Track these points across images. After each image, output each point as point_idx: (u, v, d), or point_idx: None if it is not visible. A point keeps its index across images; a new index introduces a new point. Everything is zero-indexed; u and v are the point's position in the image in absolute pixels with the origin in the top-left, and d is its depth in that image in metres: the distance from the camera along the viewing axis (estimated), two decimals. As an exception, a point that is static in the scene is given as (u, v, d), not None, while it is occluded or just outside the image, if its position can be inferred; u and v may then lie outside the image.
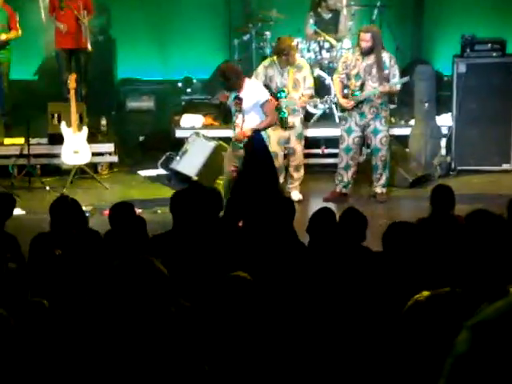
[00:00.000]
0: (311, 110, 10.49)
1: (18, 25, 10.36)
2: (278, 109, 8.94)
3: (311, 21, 10.95)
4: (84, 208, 8.46)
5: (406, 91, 10.30)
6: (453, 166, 10.14)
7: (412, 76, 10.23)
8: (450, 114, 10.31)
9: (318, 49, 10.72)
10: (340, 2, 11.81)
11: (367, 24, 11.21)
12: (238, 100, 7.82)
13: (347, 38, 10.76)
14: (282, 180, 9.13)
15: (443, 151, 10.25)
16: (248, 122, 7.85)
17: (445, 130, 10.33)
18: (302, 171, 9.32)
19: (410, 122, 10.51)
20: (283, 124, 9.01)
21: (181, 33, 12.68)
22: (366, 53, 8.87)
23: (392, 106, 10.76)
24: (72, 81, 9.64)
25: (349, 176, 9.13)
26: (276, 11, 11.08)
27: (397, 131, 10.43)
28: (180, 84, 12.53)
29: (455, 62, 10.12)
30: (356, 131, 9.02)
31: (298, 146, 9.19)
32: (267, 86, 8.95)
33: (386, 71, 8.93)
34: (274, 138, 9.04)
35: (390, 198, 9.29)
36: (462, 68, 10.07)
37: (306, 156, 9.78)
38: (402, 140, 10.25)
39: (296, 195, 9.21)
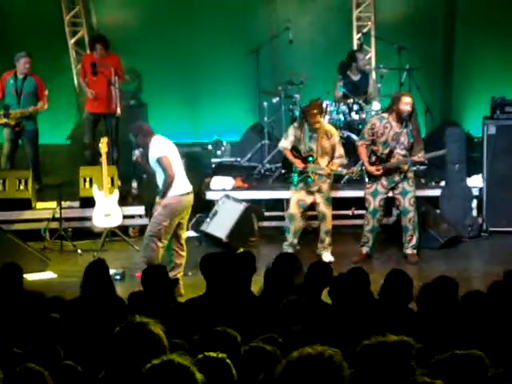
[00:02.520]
0: (340, 170, 10.51)
1: (45, 97, 10.51)
2: (305, 173, 8.99)
3: (340, 83, 11.04)
4: (115, 271, 8.58)
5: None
6: (484, 227, 10.06)
7: (442, 138, 10.25)
8: (480, 175, 10.27)
9: (347, 111, 10.78)
10: (369, 64, 11.95)
11: (396, 86, 11.30)
12: (146, 158, 8.09)
13: (376, 101, 10.81)
14: (295, 241, 9.12)
15: (474, 212, 10.20)
16: (158, 180, 8.06)
17: (476, 192, 10.28)
18: (330, 234, 9.29)
19: (441, 183, 10.48)
20: (307, 187, 9.04)
21: (211, 96, 12.82)
22: (406, 118, 8.88)
23: (422, 168, 10.78)
24: (104, 144, 9.75)
25: (374, 238, 9.12)
26: (305, 74, 11.18)
27: (427, 192, 10.40)
28: (210, 146, 12.63)
29: (485, 123, 10.13)
30: (381, 193, 9.02)
31: (327, 211, 9.18)
32: (296, 148, 9.02)
33: (411, 140, 8.96)
34: (294, 199, 9.08)
35: (421, 259, 9.22)
36: (492, 129, 10.06)
37: (336, 217, 9.79)
38: (433, 201, 10.21)
39: (327, 257, 9.18)
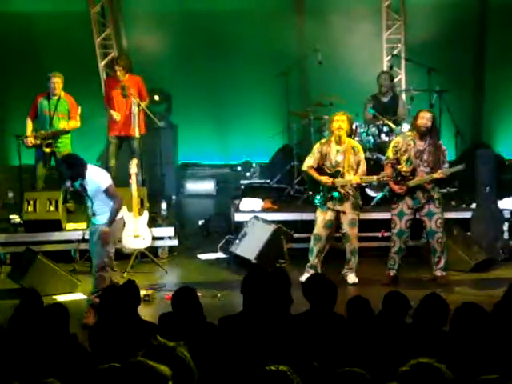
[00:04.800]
0: (371, 193, 10.48)
1: (78, 116, 10.57)
2: (333, 188, 8.97)
3: (370, 105, 11.03)
4: (144, 292, 8.58)
5: (467, 175, 10.22)
6: (516, 250, 9.97)
7: (472, 160, 10.18)
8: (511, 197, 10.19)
9: (377, 132, 10.76)
10: (399, 86, 11.92)
11: (426, 108, 11.27)
12: (82, 187, 8.08)
13: (406, 122, 10.76)
14: (317, 262, 9.11)
15: (506, 235, 10.10)
16: (97, 208, 8.08)
17: (507, 214, 10.20)
18: (357, 256, 9.24)
19: (472, 205, 10.40)
20: (334, 204, 9.02)
21: (240, 118, 12.86)
22: (423, 134, 8.86)
23: (453, 190, 10.71)
24: (133, 166, 9.79)
25: (400, 260, 9.07)
26: (335, 95, 11.18)
27: (458, 215, 10.32)
28: (239, 168, 12.66)
29: (516, 145, 10.05)
30: (408, 214, 8.97)
31: (350, 232, 9.13)
32: (321, 164, 9.01)
33: (441, 157, 8.92)
34: (320, 219, 9.08)
35: (451, 281, 9.13)
36: (524, 151, 9.99)
37: (365, 239, 9.74)
38: (464, 223, 10.13)
39: (352, 278, 9.14)
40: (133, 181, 9.77)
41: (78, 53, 12.41)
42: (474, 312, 5.15)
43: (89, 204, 8.19)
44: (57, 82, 10.47)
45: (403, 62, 12.35)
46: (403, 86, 12.19)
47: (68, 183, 8.29)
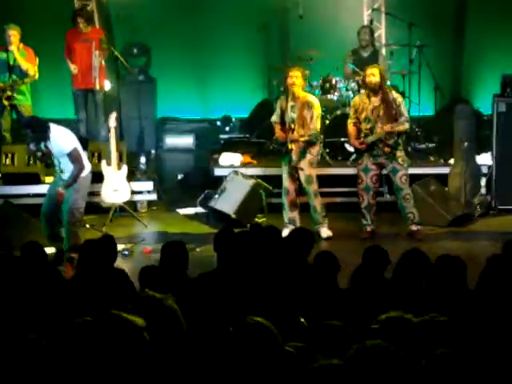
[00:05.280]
0: (349, 148, 10.50)
1: (35, 67, 10.31)
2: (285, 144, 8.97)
3: (350, 59, 11.00)
4: (124, 246, 8.60)
5: (446, 130, 10.25)
6: (493, 205, 10.04)
7: (451, 115, 10.21)
8: (489, 153, 10.23)
9: (356, 87, 10.73)
10: (379, 41, 11.88)
11: (406, 63, 11.28)
12: (47, 149, 8.07)
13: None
14: (296, 215, 9.15)
15: (483, 190, 10.17)
16: (64, 166, 8.10)
17: (485, 169, 10.25)
18: (319, 211, 9.24)
19: (450, 161, 10.45)
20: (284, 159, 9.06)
21: (220, 72, 12.79)
22: (373, 90, 8.86)
23: (432, 145, 10.75)
24: (112, 119, 9.73)
25: (372, 215, 9.11)
26: (315, 50, 11.12)
27: (436, 170, 10.37)
28: (219, 123, 12.62)
29: (495, 101, 10.06)
30: (373, 170, 9.02)
31: (308, 188, 9.12)
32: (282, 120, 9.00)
33: (396, 111, 8.91)
34: (284, 173, 9.12)
35: (429, 236, 9.19)
36: (502, 107, 10.00)
37: (343, 194, 9.76)
38: (442, 179, 10.18)
39: (325, 232, 9.16)
40: (111, 134, 9.71)
41: (56, 4, 12.26)
42: (450, 264, 5.22)
43: (56, 162, 8.22)
44: (13, 34, 10.29)
45: (383, 17, 12.29)
46: (383, 41, 12.15)
47: (32, 146, 8.25)
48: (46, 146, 8.09)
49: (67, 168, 8.14)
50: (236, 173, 10.12)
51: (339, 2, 12.11)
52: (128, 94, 11.42)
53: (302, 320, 4.43)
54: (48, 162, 8.71)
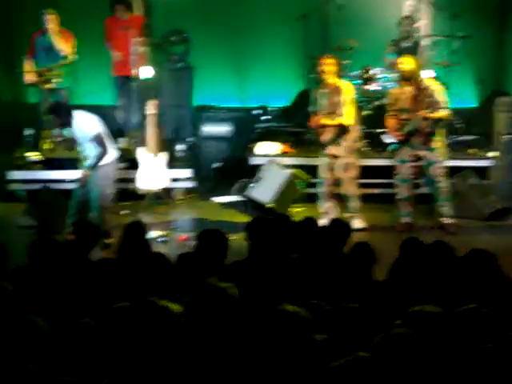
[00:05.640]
0: (386, 139, 10.41)
1: (74, 49, 10.43)
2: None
3: (390, 50, 10.90)
4: (159, 233, 8.62)
5: (486, 123, 10.12)
6: (534, 199, 9.90)
7: (493, 108, 10.08)
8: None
9: (397, 78, 10.62)
10: (420, 31, 11.75)
11: (448, 54, 11.15)
12: (70, 135, 8.26)
13: (426, 68, 10.63)
14: (333, 206, 9.07)
15: (524, 184, 10.03)
16: (89, 152, 8.18)
17: (526, 163, 10.11)
18: (353, 200, 9.17)
19: (489, 154, 10.32)
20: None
21: (258, 61, 12.73)
22: (406, 79, 8.79)
23: (471, 138, 10.62)
24: (151, 106, 9.75)
25: (409, 207, 9.02)
26: (355, 40, 11.04)
27: (475, 163, 10.25)
28: (256, 111, 12.58)
29: (538, 93, 9.92)
30: (410, 161, 8.95)
31: (343, 176, 9.08)
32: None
33: (431, 99, 8.80)
34: (322, 163, 9.04)
35: (464, 229, 9.07)
36: (545, 100, 9.87)
37: (378, 186, 9.67)
38: (481, 172, 10.06)
39: (357, 223, 9.09)
40: (150, 122, 9.74)
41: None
42: (484, 258, 5.14)
43: (80, 149, 8.28)
44: (51, 18, 10.39)
45: (426, 7, 12.14)
46: (425, 32, 12.01)
47: (56, 131, 8.33)
48: (69, 132, 8.16)
49: (91, 154, 8.19)
50: (272, 162, 10.10)
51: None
52: (166, 82, 11.42)
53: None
54: (71, 148, 8.77)
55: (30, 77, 10.40)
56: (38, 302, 4.77)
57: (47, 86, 10.41)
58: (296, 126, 11.54)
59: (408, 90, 8.86)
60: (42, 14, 10.39)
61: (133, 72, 10.63)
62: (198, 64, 12.37)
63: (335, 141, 8.97)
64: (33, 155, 10.30)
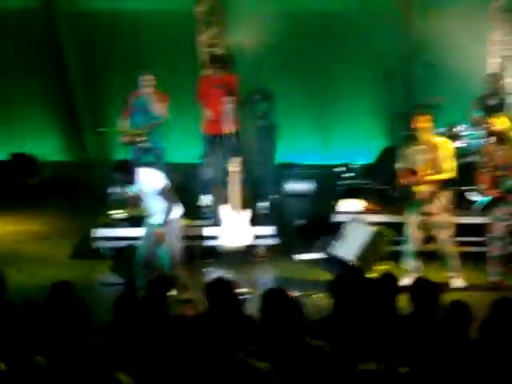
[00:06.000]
0: (471, 197, 10.24)
1: (166, 109, 10.59)
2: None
3: (476, 107, 10.77)
4: (244, 290, 8.56)
5: None
6: None
7: None
8: None
9: (484, 135, 10.47)
10: (507, 88, 11.61)
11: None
12: (137, 191, 8.28)
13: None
14: (420, 264, 8.92)
15: None
16: (154, 208, 8.21)
17: None
18: (453, 258, 8.98)
19: None
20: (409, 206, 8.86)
21: (342, 118, 12.75)
22: (499, 138, 8.71)
23: None
24: (235, 164, 9.80)
25: (501, 266, 8.86)
26: (441, 97, 10.95)
27: None
28: (340, 168, 12.54)
29: None
30: (505, 220, 8.75)
31: (440, 234, 8.91)
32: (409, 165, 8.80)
33: None
34: (411, 221, 8.94)
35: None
36: None
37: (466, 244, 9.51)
38: None
39: (455, 282, 8.89)
40: (234, 179, 9.78)
41: (178, 51, 12.54)
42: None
43: (145, 206, 8.35)
44: (148, 79, 10.58)
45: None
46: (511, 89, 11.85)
47: (120, 188, 8.41)
48: (133, 189, 8.21)
49: (157, 210, 8.22)
50: (357, 219, 10.01)
51: (466, 48, 11.90)
52: (249, 140, 11.49)
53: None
54: (136, 206, 8.83)
55: (125, 136, 10.60)
56: (122, 358, 4.77)
57: (142, 145, 10.59)
58: (380, 183, 11.43)
59: (502, 147, 8.73)
60: (140, 77, 10.61)
61: (224, 130, 10.73)
62: (281, 121, 12.44)
63: (432, 198, 8.83)
64: (118, 213, 10.43)
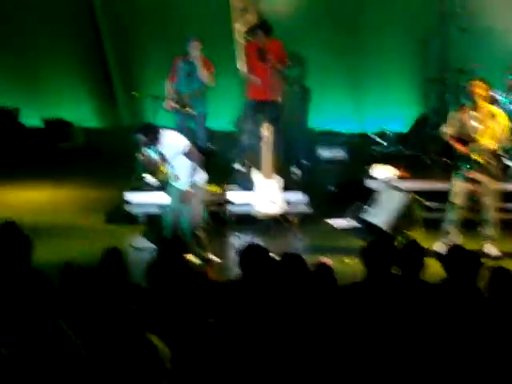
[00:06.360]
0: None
1: (212, 76, 10.64)
2: (468, 157, 8.68)
3: (510, 72, 10.64)
4: (274, 257, 8.58)
5: None
6: None
7: None
8: None
9: (519, 100, 10.37)
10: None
11: None
12: (159, 154, 8.18)
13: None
14: (458, 233, 8.87)
15: None
16: (178, 171, 8.17)
17: None
18: (492, 226, 8.93)
19: None
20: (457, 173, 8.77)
21: (375, 84, 12.66)
22: None
23: None
24: (266, 130, 9.78)
25: None
26: (475, 63, 10.82)
27: None
28: (373, 135, 12.48)
29: None
30: None
31: (488, 201, 8.84)
32: (459, 133, 8.71)
33: None
34: (457, 189, 8.84)
35: None
36: None
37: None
38: None
39: (488, 248, 8.85)
40: (266, 145, 9.76)
41: (212, 17, 12.50)
42: None
43: (169, 169, 8.31)
44: (196, 45, 10.58)
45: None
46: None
47: (143, 150, 8.38)
48: (157, 151, 8.19)
49: (181, 172, 8.22)
50: (389, 186, 9.97)
51: (502, 12, 11.74)
52: (282, 105, 11.45)
53: None
54: (154, 169, 8.80)
55: (170, 101, 10.62)
56: (155, 322, 4.82)
57: (186, 111, 10.61)
58: (414, 150, 11.37)
59: None
60: (187, 41, 10.61)
61: (271, 97, 10.70)
62: (314, 87, 12.37)
63: (484, 166, 8.75)
64: (149, 177, 10.47)
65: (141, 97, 11.76)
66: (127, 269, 5.64)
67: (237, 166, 10.93)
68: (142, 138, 8.21)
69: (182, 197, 8.26)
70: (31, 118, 13.33)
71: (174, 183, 8.41)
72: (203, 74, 10.60)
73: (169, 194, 8.56)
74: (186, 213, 8.32)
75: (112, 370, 3.46)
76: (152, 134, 8.14)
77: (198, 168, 8.30)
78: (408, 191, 9.79)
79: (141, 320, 4.48)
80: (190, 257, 8.20)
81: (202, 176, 8.40)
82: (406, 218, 9.57)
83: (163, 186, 10.18)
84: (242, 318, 5.08)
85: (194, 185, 8.28)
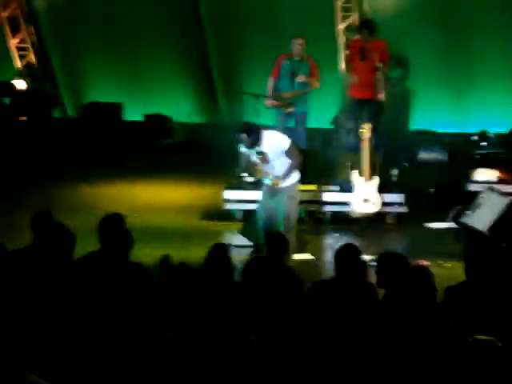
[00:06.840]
0: None
1: (318, 77, 10.62)
2: None
3: None
4: (371, 257, 8.52)
5: None
6: None
7: None
8: None
9: None
10: None
11: None
12: (261, 154, 8.05)
13: None
14: None
15: None
16: (280, 170, 8.13)
17: None
18: None
19: None
20: None
21: (478, 85, 12.45)
22: None
23: None
24: (366, 130, 9.71)
25: None
26: None
27: None
28: (475, 137, 12.26)
29: None
30: None
31: None
32: None
33: None
34: None
35: None
36: None
37: None
38: None
39: None
40: (365, 145, 9.70)
41: (315, 16, 12.50)
42: None
43: (268, 171, 8.24)
44: (301, 43, 10.56)
45: None
46: None
47: (246, 150, 8.32)
48: (258, 152, 8.17)
49: (281, 172, 8.19)
50: (492, 189, 9.77)
51: None
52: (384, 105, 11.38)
53: None
54: (254, 169, 8.71)
55: (271, 99, 10.64)
56: (250, 319, 4.85)
57: (288, 109, 10.62)
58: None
59: None
60: (293, 39, 10.61)
61: (375, 97, 10.63)
62: (416, 88, 12.25)
63: None
64: (248, 176, 10.51)
65: (246, 94, 11.74)
66: (232, 266, 5.67)
67: (334, 164, 10.87)
68: (245, 138, 8.20)
69: (274, 185, 8.26)
70: (134, 114, 13.60)
71: (269, 182, 8.41)
72: (313, 84, 10.56)
73: (264, 194, 8.56)
74: (280, 213, 8.31)
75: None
76: (255, 134, 8.13)
77: (296, 167, 8.29)
78: (510, 194, 9.58)
79: (243, 318, 4.52)
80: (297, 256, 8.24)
81: (295, 175, 8.39)
82: (507, 222, 9.36)
83: (261, 184, 10.24)
84: (332, 318, 5.06)
85: (287, 186, 8.27)
